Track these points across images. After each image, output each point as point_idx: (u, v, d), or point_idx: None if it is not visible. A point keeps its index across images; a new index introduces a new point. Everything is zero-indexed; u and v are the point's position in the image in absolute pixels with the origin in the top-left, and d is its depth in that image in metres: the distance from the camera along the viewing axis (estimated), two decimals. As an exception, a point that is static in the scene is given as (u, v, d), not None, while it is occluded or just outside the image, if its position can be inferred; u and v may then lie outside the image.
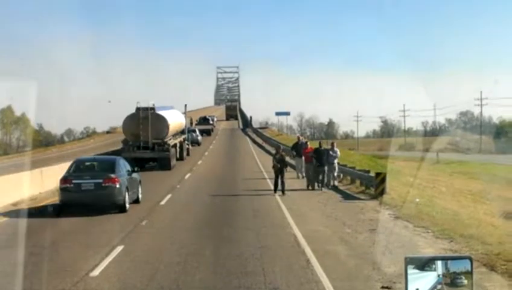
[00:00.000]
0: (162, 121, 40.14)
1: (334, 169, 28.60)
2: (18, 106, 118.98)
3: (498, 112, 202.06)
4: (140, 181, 24.05)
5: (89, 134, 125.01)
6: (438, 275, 5.14)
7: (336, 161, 28.68)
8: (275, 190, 25.28)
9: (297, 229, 16.82)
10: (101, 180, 20.93)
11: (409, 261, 5.17)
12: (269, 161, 48.72)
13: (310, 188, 27.52)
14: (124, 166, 22.67)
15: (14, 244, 13.54)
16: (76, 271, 12.07)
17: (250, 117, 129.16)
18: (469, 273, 5.17)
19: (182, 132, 48.47)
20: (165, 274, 11.81)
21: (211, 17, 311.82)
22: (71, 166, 22.25)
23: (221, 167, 43.36)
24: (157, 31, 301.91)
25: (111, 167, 22.02)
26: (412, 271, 5.13)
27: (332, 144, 29.73)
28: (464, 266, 5.20)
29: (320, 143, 30.07)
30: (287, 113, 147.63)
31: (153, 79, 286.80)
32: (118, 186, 20.92)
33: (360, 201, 23.29)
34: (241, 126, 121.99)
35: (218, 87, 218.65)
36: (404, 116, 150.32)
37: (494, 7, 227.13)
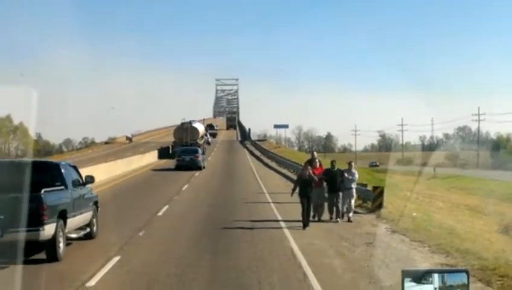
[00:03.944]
0: (196, 130, 74.68)
1: (352, 196, 22.26)
2: (17, 115, 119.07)
3: (495, 127, 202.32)
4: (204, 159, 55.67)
5: (88, 144, 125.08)
6: (435, 288, 5.16)
7: (353, 186, 22.43)
8: (304, 223, 19.68)
9: (294, 242, 16.79)
10: (192, 156, 51.92)
11: (406, 274, 5.20)
12: (269, 175, 49.53)
13: (317, 218, 21.45)
14: (200, 151, 56.07)
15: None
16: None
17: (249, 129, 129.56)
18: (465, 287, 5.20)
19: (202, 137, 77.60)
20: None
21: (210, 29, 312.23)
22: (178, 151, 56.30)
23: (217, 184, 43.24)
24: (158, 44, 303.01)
25: (196, 151, 54.53)
26: (408, 284, 5.16)
27: (349, 164, 23.07)
28: (461, 279, 5.23)
29: (333, 163, 22.50)
30: (286, 126, 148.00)
31: (152, 90, 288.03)
32: (199, 159, 52.36)
33: (357, 215, 23.20)
34: (239, 138, 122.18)
35: (217, 100, 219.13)
36: (402, 131, 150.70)
37: (493, 24, 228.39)
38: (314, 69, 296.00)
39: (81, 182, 17.06)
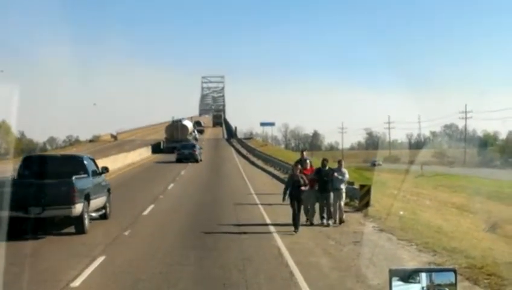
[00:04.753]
0: (185, 127, 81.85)
1: (342, 197, 21.09)
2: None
3: (482, 125, 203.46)
4: (200, 153, 62.54)
5: (72, 142, 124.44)
6: (422, 288, 5.11)
7: (343, 186, 21.23)
8: (295, 225, 18.64)
9: (281, 241, 16.75)
10: (191, 151, 60.03)
11: (394, 273, 5.14)
12: (256, 173, 49.50)
13: (309, 222, 20.32)
14: (198, 146, 64.48)
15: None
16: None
17: (235, 127, 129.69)
18: (453, 286, 5.14)
19: (190, 133, 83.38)
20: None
21: (196, 26, 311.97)
22: (178, 146, 62.76)
23: (203, 183, 43.17)
24: (143, 42, 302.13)
25: (193, 146, 62.54)
26: (396, 283, 5.09)
27: (339, 163, 21.86)
28: (448, 278, 5.18)
29: (324, 161, 21.12)
30: (272, 124, 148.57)
31: (137, 88, 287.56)
32: (197, 153, 60.15)
33: (344, 213, 23.13)
34: (225, 136, 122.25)
35: (203, 97, 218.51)
36: (389, 129, 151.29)
37: (481, 22, 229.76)
38: (300, 67, 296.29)
39: (98, 171, 20.76)
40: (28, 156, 22.46)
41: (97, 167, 21.06)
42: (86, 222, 18.22)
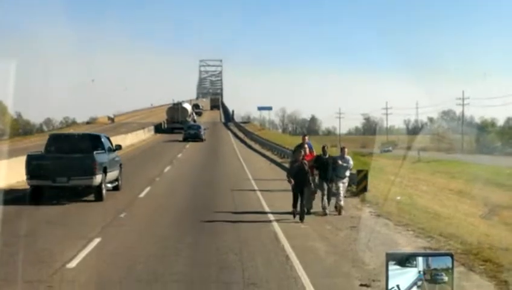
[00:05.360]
0: (185, 109, 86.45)
1: (345, 186, 20.38)
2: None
3: (480, 111, 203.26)
4: (205, 133, 67.84)
5: (69, 124, 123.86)
6: (419, 271, 5.08)
7: (348, 173, 20.24)
8: (294, 213, 17.76)
9: (277, 225, 16.72)
10: (196, 131, 66.58)
11: (390, 257, 5.11)
12: (252, 157, 49.41)
13: (306, 210, 18.27)
14: (202, 126, 70.22)
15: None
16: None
17: (233, 111, 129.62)
18: (450, 270, 5.11)
19: (190, 115, 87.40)
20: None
21: (195, 10, 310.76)
22: (185, 127, 69.21)
23: (199, 167, 43.08)
24: (142, 23, 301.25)
25: (199, 127, 69.31)
26: (392, 267, 5.07)
27: (342, 150, 20.66)
28: (445, 262, 5.15)
29: (324, 148, 19.71)
30: (269, 108, 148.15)
31: (135, 70, 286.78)
32: (202, 132, 66.32)
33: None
34: (223, 120, 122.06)
35: (201, 81, 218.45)
36: (387, 114, 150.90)
37: (480, 8, 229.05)
38: (298, 51, 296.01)
39: (112, 148, 23.80)
40: (54, 134, 26.20)
41: (111, 144, 24.06)
42: (104, 191, 20.91)
